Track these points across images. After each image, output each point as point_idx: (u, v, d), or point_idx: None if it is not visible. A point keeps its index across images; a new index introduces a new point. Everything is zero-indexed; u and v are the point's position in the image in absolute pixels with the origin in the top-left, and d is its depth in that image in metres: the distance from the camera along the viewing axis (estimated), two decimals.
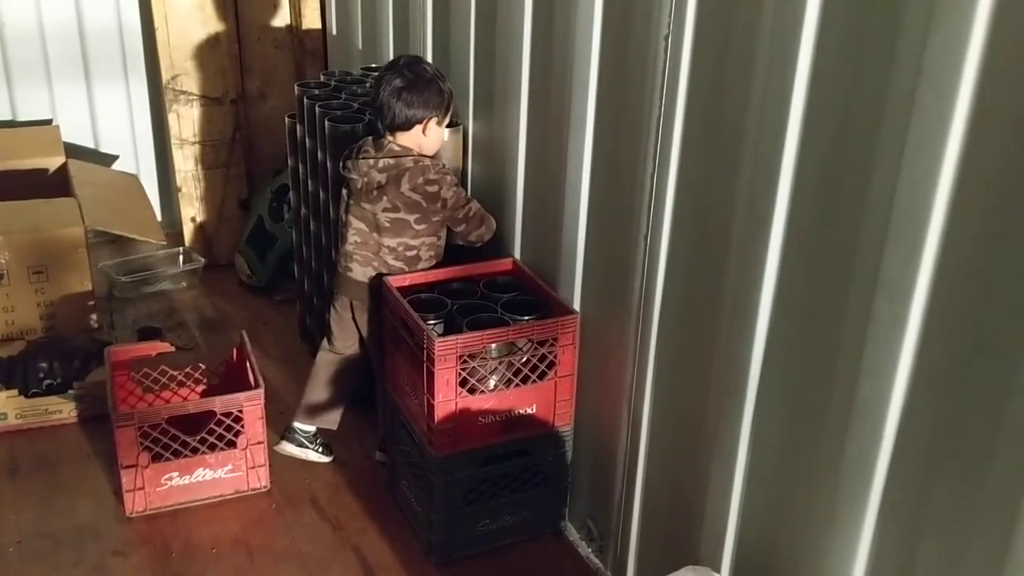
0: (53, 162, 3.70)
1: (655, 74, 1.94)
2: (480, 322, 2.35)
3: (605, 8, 2.09)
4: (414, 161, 2.50)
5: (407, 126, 2.50)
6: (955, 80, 1.31)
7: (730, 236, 1.82)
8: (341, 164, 2.60)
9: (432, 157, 2.57)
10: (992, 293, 1.33)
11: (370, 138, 2.57)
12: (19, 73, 4.01)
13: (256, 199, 4.01)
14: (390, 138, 2.53)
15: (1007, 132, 1.27)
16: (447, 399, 2.30)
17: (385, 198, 2.50)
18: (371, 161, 2.51)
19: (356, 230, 2.57)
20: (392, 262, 2.56)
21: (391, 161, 2.49)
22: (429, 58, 3.03)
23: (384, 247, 2.55)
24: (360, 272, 2.59)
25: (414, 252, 2.56)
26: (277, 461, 2.80)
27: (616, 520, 2.39)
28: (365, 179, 2.52)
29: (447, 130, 2.72)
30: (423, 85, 2.50)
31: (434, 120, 2.52)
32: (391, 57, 3.33)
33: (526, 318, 2.37)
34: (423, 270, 2.58)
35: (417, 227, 2.53)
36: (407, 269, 2.56)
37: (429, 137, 2.54)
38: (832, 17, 1.52)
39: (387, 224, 2.53)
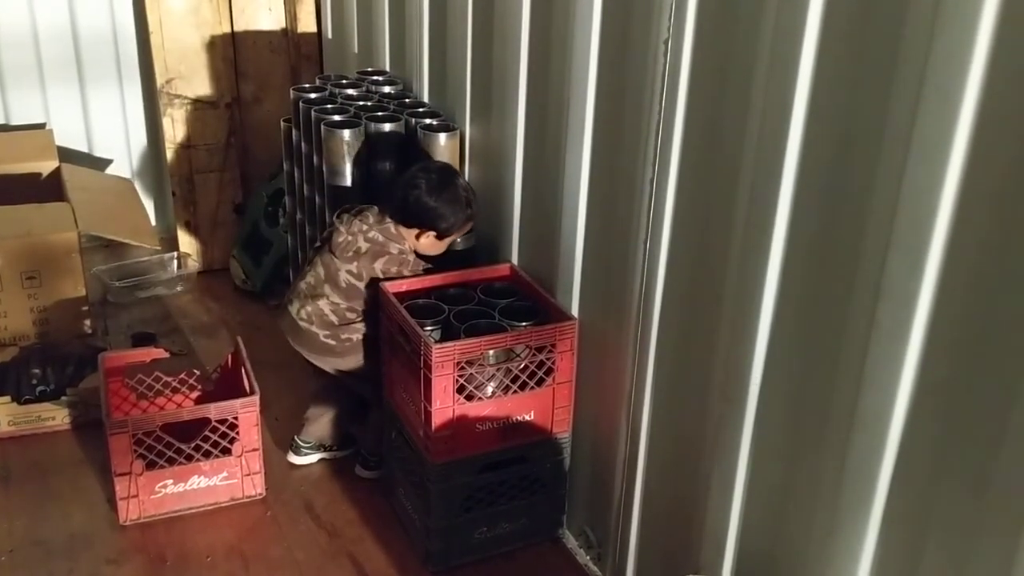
0: (46, 166, 3.67)
1: (655, 78, 1.93)
2: (478, 328, 2.33)
3: (604, 11, 2.08)
4: (399, 251, 2.52)
5: (404, 223, 2.52)
6: (959, 87, 1.30)
7: (731, 242, 1.81)
8: (336, 214, 2.60)
9: (419, 255, 2.58)
10: (996, 302, 1.32)
11: (376, 208, 2.57)
12: (12, 77, 3.98)
13: (251, 204, 3.99)
14: (392, 220, 2.54)
15: (1012, 140, 1.26)
16: (444, 406, 2.28)
17: (356, 263, 2.51)
18: (364, 227, 2.52)
19: (315, 274, 2.58)
20: (327, 313, 2.56)
21: (380, 238, 2.51)
22: (425, 60, 3.01)
23: (329, 299, 2.55)
24: (296, 308, 2.60)
25: (354, 315, 2.56)
26: (273, 468, 2.78)
27: (615, 528, 2.38)
28: (349, 238, 2.52)
29: (443, 135, 2.71)
30: (437, 200, 2.48)
31: (431, 234, 2.52)
32: (387, 61, 3.33)
33: (524, 324, 2.35)
34: (346, 335, 2.57)
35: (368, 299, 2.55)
36: (336, 323, 2.56)
37: (421, 243, 2.55)
38: (834, 21, 1.51)
39: (344, 285, 2.53)
